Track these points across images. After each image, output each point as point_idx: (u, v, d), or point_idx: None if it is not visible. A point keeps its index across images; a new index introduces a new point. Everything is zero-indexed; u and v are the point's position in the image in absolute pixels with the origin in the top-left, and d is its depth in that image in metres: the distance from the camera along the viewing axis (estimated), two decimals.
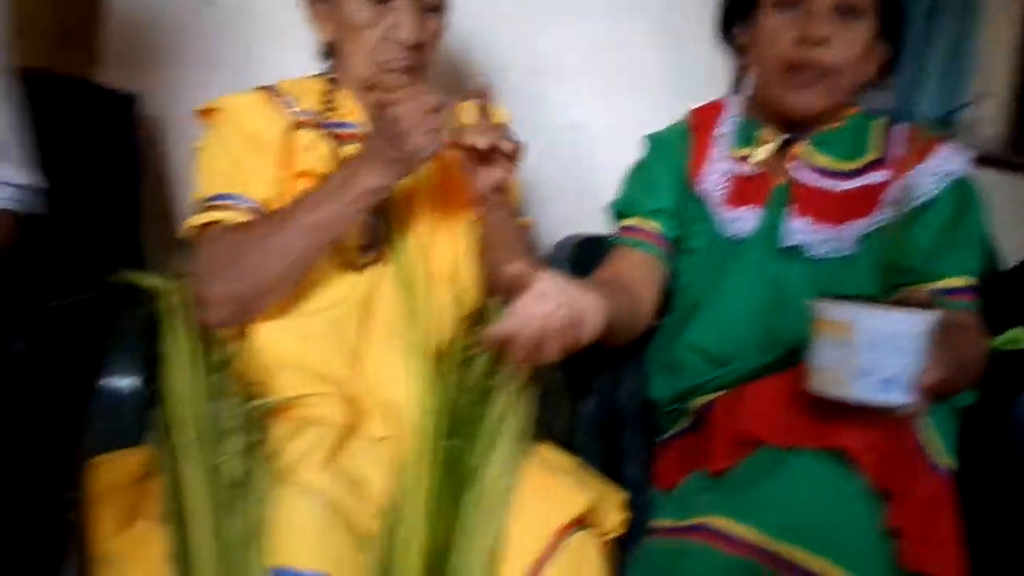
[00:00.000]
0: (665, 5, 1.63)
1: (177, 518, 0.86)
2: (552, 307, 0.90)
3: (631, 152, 1.28)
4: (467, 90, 1.00)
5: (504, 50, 1.58)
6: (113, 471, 0.92)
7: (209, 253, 0.99)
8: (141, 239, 1.24)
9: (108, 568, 0.86)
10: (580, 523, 0.92)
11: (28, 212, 0.99)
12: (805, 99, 1.10)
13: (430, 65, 1.13)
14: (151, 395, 0.97)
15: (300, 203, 0.98)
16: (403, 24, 1.05)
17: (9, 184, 0.95)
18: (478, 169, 1.00)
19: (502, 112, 1.16)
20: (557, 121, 1.61)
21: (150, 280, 1.06)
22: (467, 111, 0.99)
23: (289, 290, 1.01)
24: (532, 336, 0.90)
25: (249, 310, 1.00)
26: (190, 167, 1.41)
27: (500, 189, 1.03)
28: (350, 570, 0.84)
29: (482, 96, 1.00)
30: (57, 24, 1.36)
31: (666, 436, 1.17)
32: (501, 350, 0.93)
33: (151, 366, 0.98)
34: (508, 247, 1.07)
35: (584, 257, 1.29)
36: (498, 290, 1.03)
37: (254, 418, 0.93)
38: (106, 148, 1.22)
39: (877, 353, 0.84)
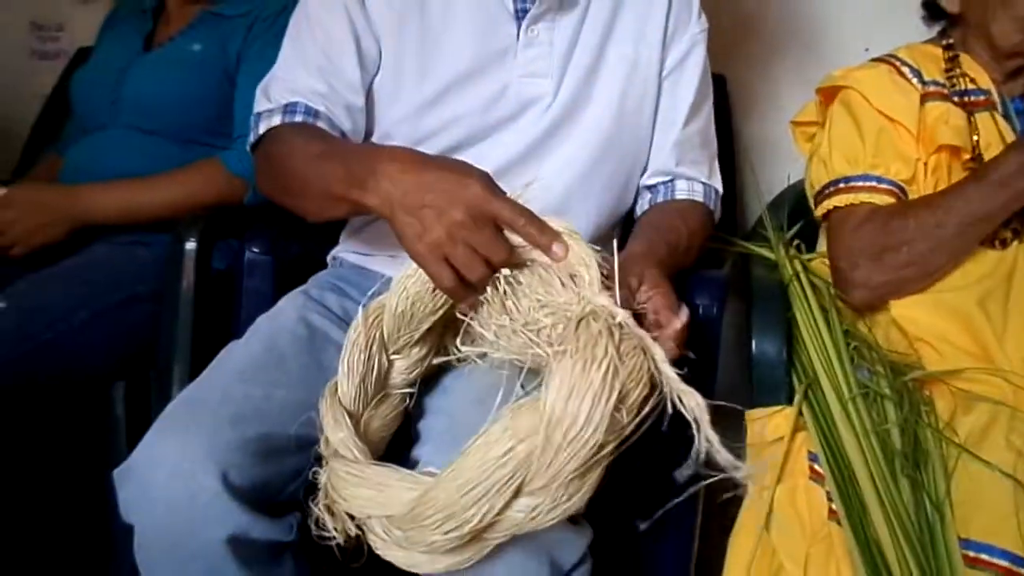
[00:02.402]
0: None
1: (840, 480, 0.89)
2: None
3: None
4: None
5: None
6: (765, 427, 0.98)
7: (861, 237, 0.99)
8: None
9: (769, 517, 0.92)
10: None
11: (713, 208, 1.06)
12: None
13: None
14: (790, 357, 1.03)
15: (965, 190, 0.96)
16: None
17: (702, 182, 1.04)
18: None
19: None
20: None
21: (770, 251, 1.13)
22: None
23: (943, 276, 0.99)
24: None
25: (899, 294, 1.00)
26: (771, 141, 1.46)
27: None
28: None
29: None
30: None
31: None
32: None
33: (790, 329, 1.03)
34: None
35: None
36: None
37: (908, 388, 0.93)
38: None
39: None
